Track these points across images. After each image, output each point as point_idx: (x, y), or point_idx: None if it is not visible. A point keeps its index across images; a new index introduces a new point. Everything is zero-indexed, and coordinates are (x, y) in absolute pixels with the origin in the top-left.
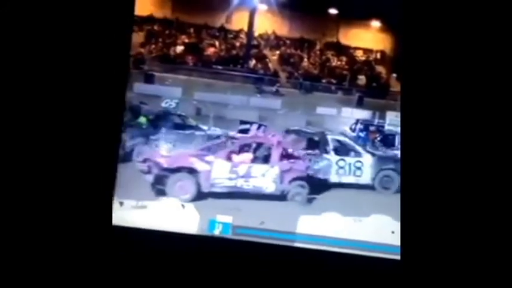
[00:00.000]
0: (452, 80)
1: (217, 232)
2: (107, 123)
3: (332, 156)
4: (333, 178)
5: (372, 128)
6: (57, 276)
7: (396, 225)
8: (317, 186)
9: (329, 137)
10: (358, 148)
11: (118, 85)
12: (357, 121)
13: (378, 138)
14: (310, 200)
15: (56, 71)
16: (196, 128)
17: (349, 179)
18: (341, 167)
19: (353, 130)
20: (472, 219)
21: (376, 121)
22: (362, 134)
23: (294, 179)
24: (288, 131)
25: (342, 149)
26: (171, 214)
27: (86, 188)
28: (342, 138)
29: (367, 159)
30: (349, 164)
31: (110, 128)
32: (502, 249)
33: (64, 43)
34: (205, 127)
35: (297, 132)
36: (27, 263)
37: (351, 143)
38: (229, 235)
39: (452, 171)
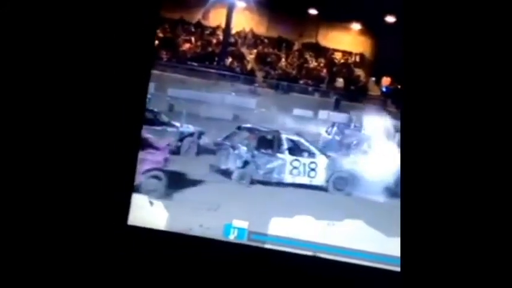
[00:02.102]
0: (454, 83)
1: (232, 237)
2: (127, 123)
3: (286, 156)
4: (287, 178)
5: (347, 132)
6: (70, 274)
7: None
8: (174, 179)
9: (283, 136)
10: (313, 149)
11: (139, 81)
12: (333, 124)
13: (354, 143)
14: (168, 194)
15: (64, 71)
16: (169, 124)
17: (303, 180)
18: (295, 167)
19: (329, 133)
20: (477, 229)
21: (352, 125)
22: (338, 138)
23: (148, 170)
24: (240, 128)
25: (296, 149)
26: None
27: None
28: (296, 138)
29: (322, 161)
30: (304, 165)
31: (130, 128)
32: (509, 259)
33: (69, 43)
34: (177, 124)
35: (250, 129)
36: (35, 260)
37: (306, 143)
38: (245, 241)
39: (457, 178)
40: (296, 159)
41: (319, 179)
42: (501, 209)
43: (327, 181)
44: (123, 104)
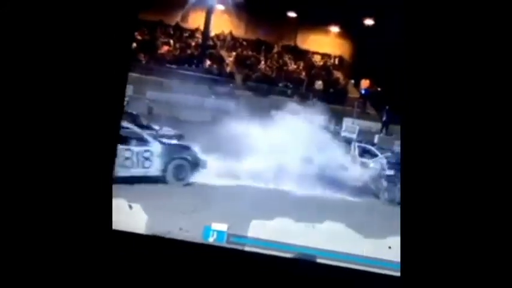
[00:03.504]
0: (453, 86)
1: (211, 240)
2: (105, 126)
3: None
4: (120, 171)
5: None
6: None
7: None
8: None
9: None
10: (146, 136)
11: (117, 84)
12: None
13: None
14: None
15: (54, 73)
16: (147, 127)
17: (138, 172)
18: (127, 158)
19: None
20: (476, 234)
21: (332, 127)
22: None
23: None
24: None
25: (127, 138)
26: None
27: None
28: (125, 124)
29: (156, 148)
30: (137, 154)
31: (108, 131)
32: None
33: (63, 44)
34: (156, 127)
35: None
36: (24, 264)
37: (137, 129)
38: (224, 243)
39: (457, 183)
40: (128, 149)
41: (155, 169)
42: (501, 214)
43: (164, 170)
44: (101, 108)
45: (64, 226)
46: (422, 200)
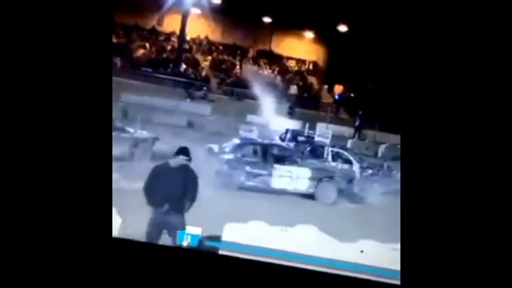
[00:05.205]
0: (451, 87)
1: (185, 244)
2: (95, 134)
3: None
4: None
5: (301, 139)
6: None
7: None
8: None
9: None
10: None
11: (104, 95)
12: (287, 131)
13: (308, 149)
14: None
15: (50, 73)
16: (122, 130)
17: None
18: None
19: (283, 139)
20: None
21: (306, 132)
22: (291, 144)
23: None
24: None
25: None
26: None
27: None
28: None
29: None
30: None
31: (99, 138)
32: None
33: (60, 44)
34: (131, 130)
35: None
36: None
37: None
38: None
39: (457, 195)
40: None
41: None
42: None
43: None
44: (92, 114)
45: (61, 232)
46: (422, 209)
